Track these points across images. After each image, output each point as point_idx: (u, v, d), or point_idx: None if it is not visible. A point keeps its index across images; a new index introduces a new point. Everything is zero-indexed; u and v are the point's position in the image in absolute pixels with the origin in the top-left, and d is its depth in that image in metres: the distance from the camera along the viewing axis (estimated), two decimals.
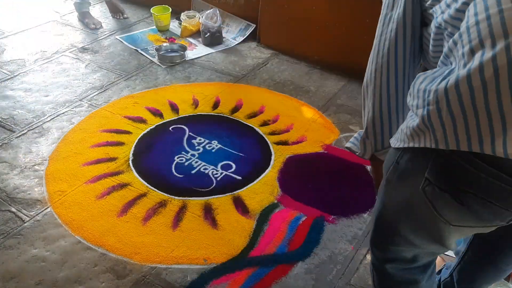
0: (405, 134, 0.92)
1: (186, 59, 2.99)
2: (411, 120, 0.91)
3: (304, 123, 2.43)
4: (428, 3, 0.96)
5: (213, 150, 2.24)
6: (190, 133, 2.34)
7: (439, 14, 0.91)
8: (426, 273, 1.18)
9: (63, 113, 2.48)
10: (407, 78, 1.06)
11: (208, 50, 3.11)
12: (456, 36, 0.84)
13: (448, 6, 0.88)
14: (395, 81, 1.06)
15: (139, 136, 2.31)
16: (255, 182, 2.06)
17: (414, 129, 0.88)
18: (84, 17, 3.38)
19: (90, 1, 3.47)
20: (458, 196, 0.86)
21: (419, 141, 0.87)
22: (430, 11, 0.96)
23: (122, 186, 2.02)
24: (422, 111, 0.85)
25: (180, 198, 1.97)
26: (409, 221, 1.01)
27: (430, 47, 0.98)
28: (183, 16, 3.26)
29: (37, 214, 1.88)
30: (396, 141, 0.97)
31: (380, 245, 1.15)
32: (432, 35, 0.95)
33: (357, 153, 1.24)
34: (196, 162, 2.16)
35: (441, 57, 0.91)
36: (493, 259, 1.25)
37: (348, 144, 1.29)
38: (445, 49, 0.89)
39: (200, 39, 3.19)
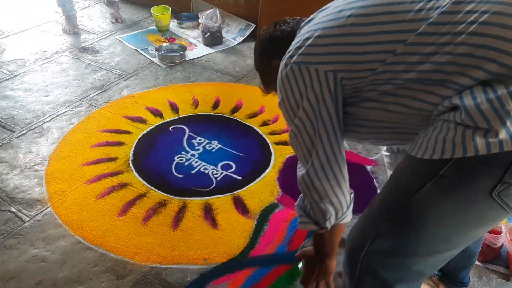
0: (454, 143, 0.86)
1: (186, 59, 2.99)
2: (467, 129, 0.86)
3: None
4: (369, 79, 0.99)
5: (213, 150, 2.24)
6: (190, 133, 2.34)
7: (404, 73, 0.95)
8: None
9: (63, 113, 2.48)
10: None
11: (208, 50, 3.11)
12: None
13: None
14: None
15: (139, 136, 2.31)
16: (255, 182, 2.06)
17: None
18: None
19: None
20: None
21: (489, 148, 0.83)
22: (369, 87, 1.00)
23: (122, 186, 2.02)
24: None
25: (180, 198, 1.97)
26: (456, 237, 0.98)
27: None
28: None
29: (37, 214, 1.88)
30: (436, 153, 0.89)
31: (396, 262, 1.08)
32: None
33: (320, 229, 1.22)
34: (196, 162, 2.16)
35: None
36: None
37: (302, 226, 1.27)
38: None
39: (200, 39, 3.20)
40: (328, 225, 1.18)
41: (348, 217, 1.20)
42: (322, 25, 1.06)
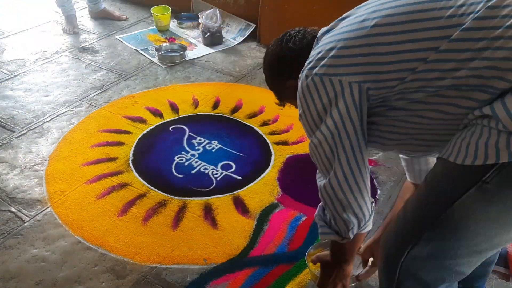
0: (497, 148, 0.87)
1: (186, 59, 2.99)
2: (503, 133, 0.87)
3: None
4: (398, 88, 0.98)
5: (213, 150, 2.24)
6: (190, 133, 2.34)
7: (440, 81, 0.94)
8: None
9: (63, 113, 2.48)
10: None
11: (208, 50, 3.11)
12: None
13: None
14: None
15: (139, 136, 2.31)
16: (255, 182, 2.06)
17: None
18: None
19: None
20: None
21: None
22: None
23: (122, 186, 2.02)
24: None
25: (180, 198, 1.97)
26: (498, 237, 0.99)
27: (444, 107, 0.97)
28: None
29: (37, 214, 1.88)
30: (479, 159, 0.89)
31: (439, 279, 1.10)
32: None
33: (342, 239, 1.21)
34: (196, 162, 2.16)
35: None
36: None
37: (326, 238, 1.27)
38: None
39: (200, 39, 3.20)
40: (351, 235, 1.17)
41: (369, 226, 1.20)
42: (344, 36, 1.04)
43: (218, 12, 3.15)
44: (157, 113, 2.48)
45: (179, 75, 2.84)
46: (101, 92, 2.66)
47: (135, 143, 2.27)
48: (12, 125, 2.38)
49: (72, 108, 2.51)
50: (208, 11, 3.15)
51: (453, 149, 0.94)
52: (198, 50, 3.11)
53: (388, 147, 1.13)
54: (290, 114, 2.50)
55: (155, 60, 2.98)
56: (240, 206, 1.93)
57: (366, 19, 1.01)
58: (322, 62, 1.04)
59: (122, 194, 1.98)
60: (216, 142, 2.29)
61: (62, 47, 3.11)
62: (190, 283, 1.63)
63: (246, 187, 2.03)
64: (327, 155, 1.09)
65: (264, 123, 2.41)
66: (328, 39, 1.08)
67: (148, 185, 2.03)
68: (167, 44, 3.09)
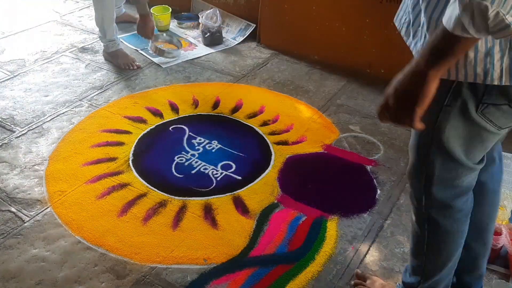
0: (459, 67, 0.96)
1: (186, 59, 2.99)
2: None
3: (304, 123, 2.43)
4: None
5: (213, 150, 2.24)
6: (190, 133, 2.34)
7: None
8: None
9: (63, 113, 2.48)
10: None
11: (208, 50, 3.11)
12: None
13: None
14: None
15: (139, 136, 2.31)
16: (255, 182, 2.06)
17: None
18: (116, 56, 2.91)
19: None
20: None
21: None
22: None
23: (122, 186, 2.02)
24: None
25: (180, 198, 1.97)
26: (467, 146, 1.11)
27: None
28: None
29: (37, 214, 1.88)
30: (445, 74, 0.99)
31: (447, 184, 1.19)
32: None
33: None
34: (196, 162, 2.16)
35: None
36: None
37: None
38: None
39: (200, 39, 3.20)
40: (491, 24, 0.76)
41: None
42: None
43: (218, 12, 3.15)
44: (157, 113, 2.48)
45: (179, 75, 2.84)
46: (101, 92, 2.66)
47: (135, 143, 2.27)
48: (12, 125, 2.38)
49: (72, 108, 2.51)
50: (208, 11, 3.15)
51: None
52: (198, 50, 3.11)
53: None
54: (290, 114, 2.50)
55: (155, 60, 2.98)
56: (240, 206, 1.94)
57: None
58: None
59: (122, 194, 1.98)
60: (216, 142, 2.29)
61: (62, 47, 3.11)
62: (190, 283, 1.63)
63: (246, 187, 2.03)
64: None
65: (264, 123, 2.41)
66: None
67: (148, 185, 2.03)
68: (165, 35, 3.14)
